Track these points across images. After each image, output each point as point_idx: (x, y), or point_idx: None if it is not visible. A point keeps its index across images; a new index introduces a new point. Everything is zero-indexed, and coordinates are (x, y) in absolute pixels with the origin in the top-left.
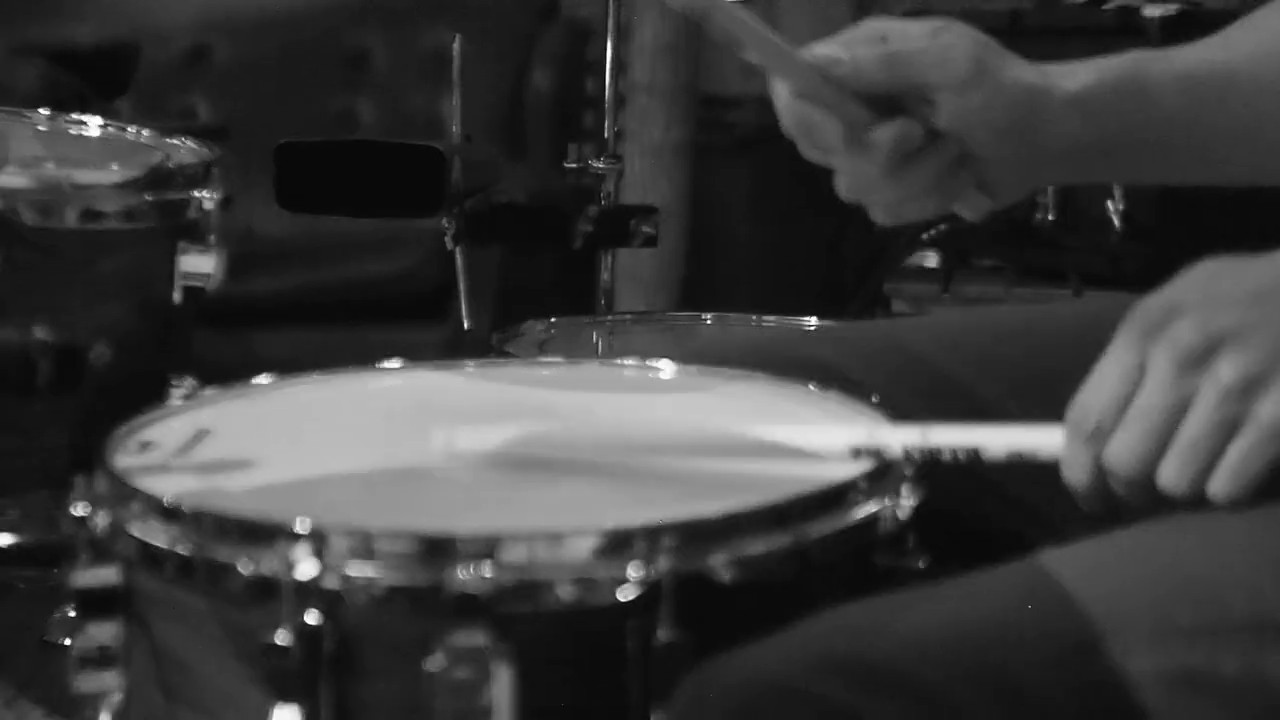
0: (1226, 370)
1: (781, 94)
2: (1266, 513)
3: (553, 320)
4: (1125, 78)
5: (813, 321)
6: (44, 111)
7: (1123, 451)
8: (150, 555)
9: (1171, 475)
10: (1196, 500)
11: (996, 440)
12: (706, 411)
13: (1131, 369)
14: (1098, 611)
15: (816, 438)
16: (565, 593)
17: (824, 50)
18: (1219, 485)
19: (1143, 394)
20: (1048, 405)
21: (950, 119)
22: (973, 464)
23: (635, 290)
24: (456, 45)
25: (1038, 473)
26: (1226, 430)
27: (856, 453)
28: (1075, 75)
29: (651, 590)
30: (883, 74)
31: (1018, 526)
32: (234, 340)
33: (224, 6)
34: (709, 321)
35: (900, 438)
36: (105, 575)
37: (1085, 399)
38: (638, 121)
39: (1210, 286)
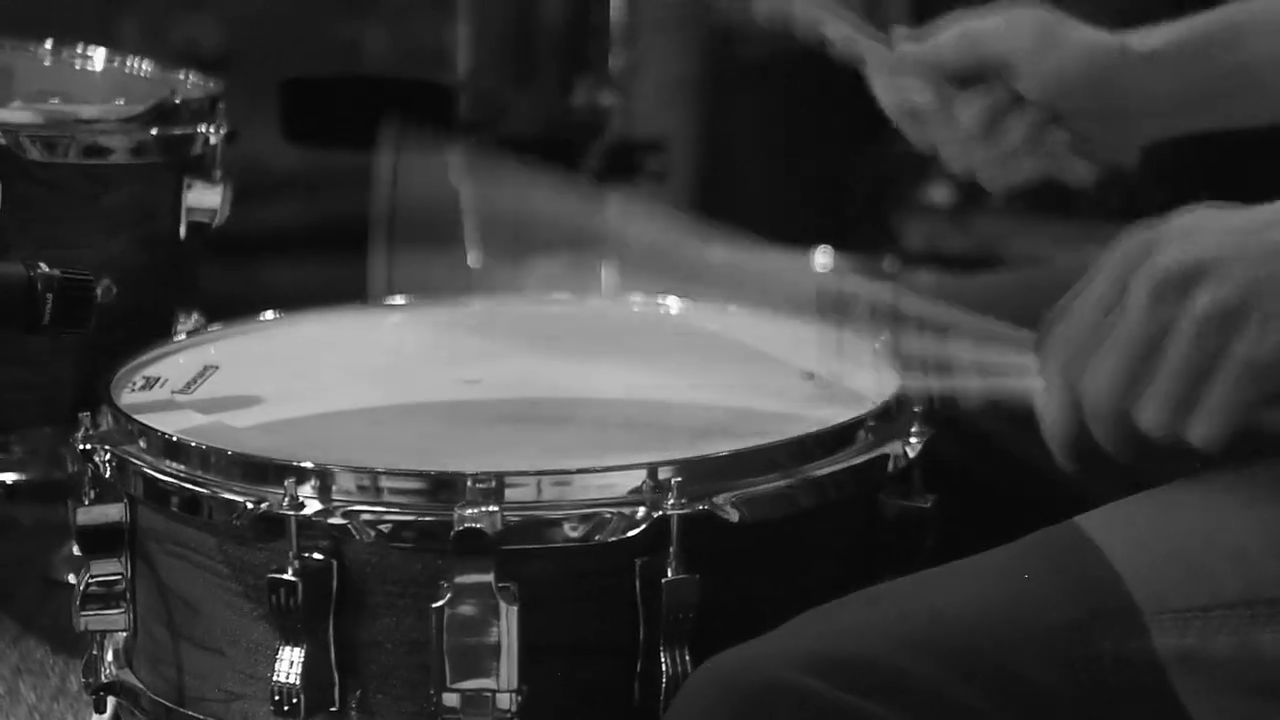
0: (1203, 299)
1: (879, 78)
2: (1254, 485)
3: (558, 256)
4: (1217, 27)
5: (823, 253)
6: (49, 45)
7: (1099, 381)
8: (155, 492)
9: (1150, 413)
10: (1173, 444)
11: (974, 386)
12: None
13: (1110, 298)
14: (1093, 596)
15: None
16: (573, 530)
17: (905, 46)
18: (1197, 427)
19: (1120, 324)
20: None
21: (1029, 83)
22: (950, 408)
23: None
24: None
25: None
26: (1203, 365)
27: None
28: (1156, 33)
29: (659, 528)
30: (959, 49)
31: (1027, 468)
32: (238, 271)
33: None
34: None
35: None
36: (110, 512)
37: (1062, 330)
38: (646, 53)
39: (1192, 223)
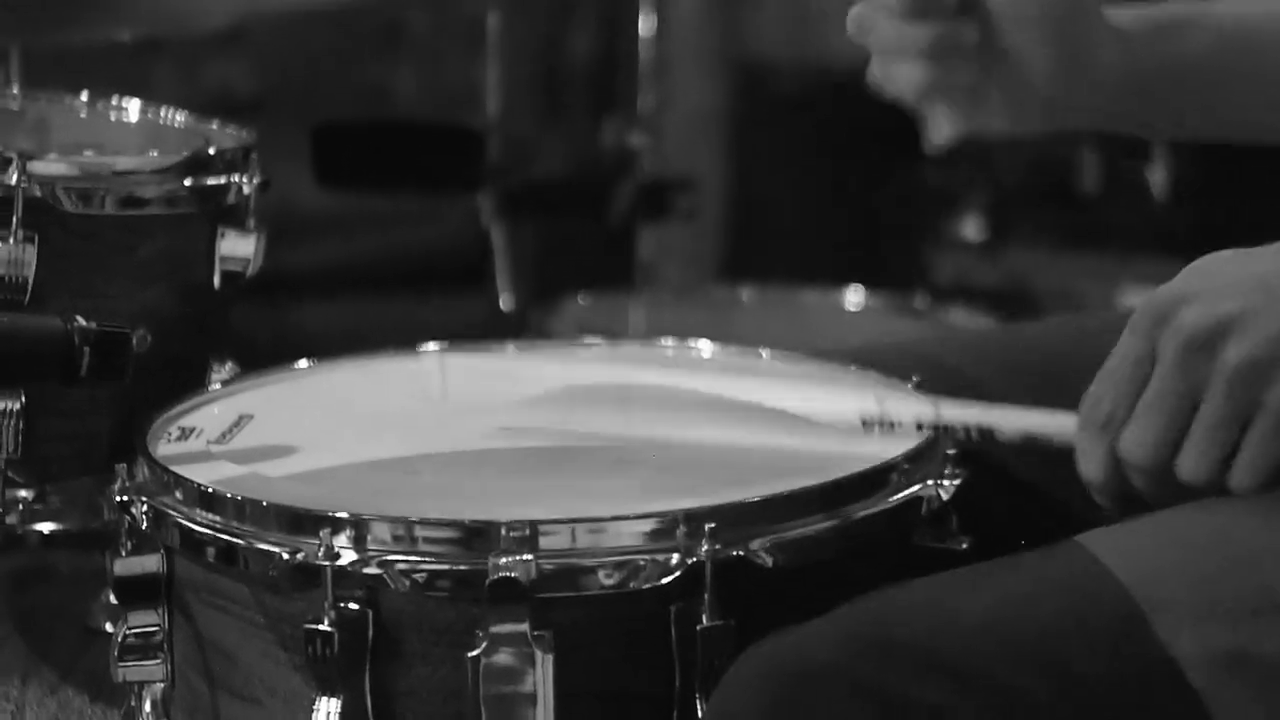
0: (1233, 354)
1: None
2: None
3: (590, 297)
4: (1167, 19)
5: (856, 292)
6: (84, 98)
7: (1137, 441)
8: (192, 542)
9: (1189, 466)
10: (1216, 491)
11: (1010, 421)
12: (737, 389)
13: (1141, 358)
14: (1142, 592)
15: (826, 406)
16: (607, 578)
17: None
18: (1239, 477)
19: (1153, 382)
20: None
21: (998, 5)
22: (986, 444)
23: (673, 262)
24: (492, 20)
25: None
26: (1240, 417)
27: (866, 423)
28: (1123, 12)
29: (694, 574)
30: None
31: (1063, 509)
32: (270, 314)
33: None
34: (745, 299)
35: (912, 410)
36: (147, 563)
37: (1097, 390)
38: (676, 89)
39: (1216, 276)
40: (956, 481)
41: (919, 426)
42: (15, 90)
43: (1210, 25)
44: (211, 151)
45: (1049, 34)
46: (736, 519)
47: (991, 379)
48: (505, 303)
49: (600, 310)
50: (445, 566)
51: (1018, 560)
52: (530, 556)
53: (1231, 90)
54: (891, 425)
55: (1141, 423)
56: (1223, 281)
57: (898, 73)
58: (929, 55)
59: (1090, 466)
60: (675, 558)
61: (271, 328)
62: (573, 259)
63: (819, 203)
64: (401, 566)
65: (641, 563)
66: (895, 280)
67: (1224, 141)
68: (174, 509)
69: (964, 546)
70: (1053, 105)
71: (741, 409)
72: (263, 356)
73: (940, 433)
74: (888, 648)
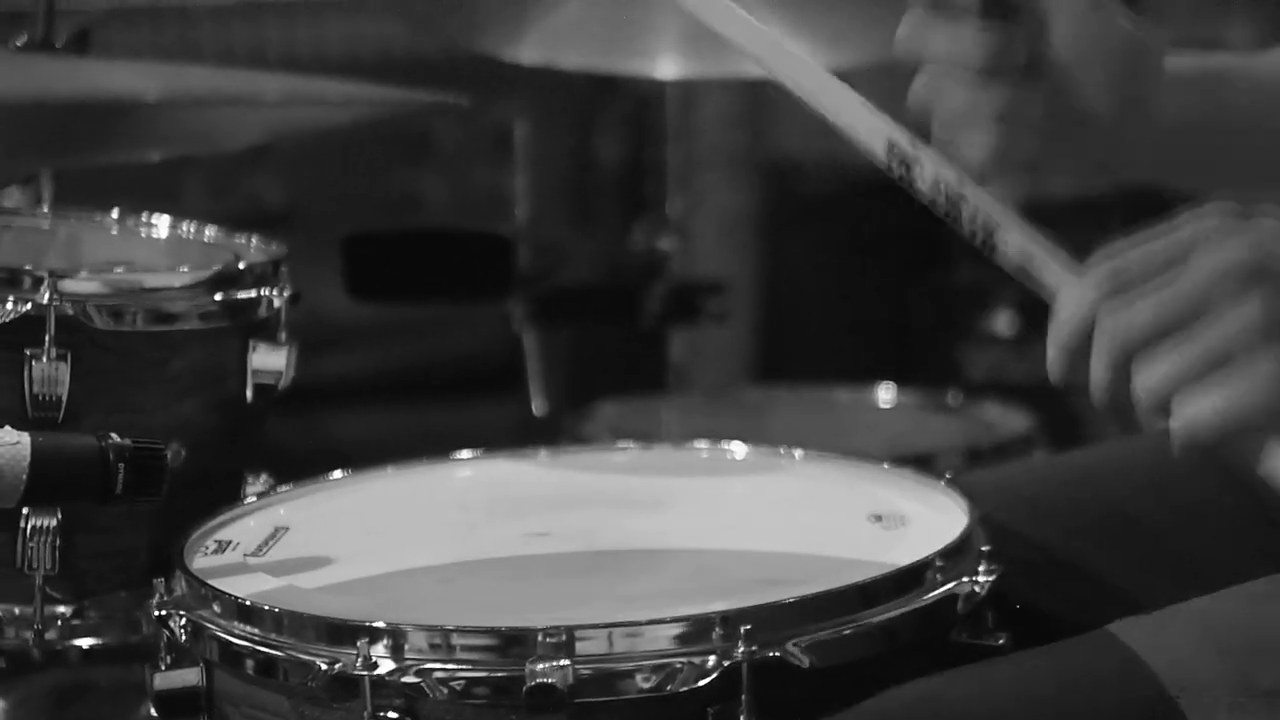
0: (1256, 303)
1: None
2: None
3: (622, 401)
4: (1213, 69)
5: (888, 390)
6: (114, 215)
7: (1121, 320)
8: (231, 655)
9: (1150, 374)
10: (1144, 417)
11: (1018, 235)
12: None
13: (1177, 255)
14: (1175, 679)
15: (862, 120)
16: (644, 681)
17: None
18: (1184, 412)
19: (1171, 284)
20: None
21: (1063, 44)
22: (985, 249)
23: (705, 364)
24: (519, 128)
25: (1126, 554)
26: (1224, 359)
27: (893, 148)
28: (1175, 60)
29: (731, 676)
30: None
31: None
32: (303, 425)
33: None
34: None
35: (938, 167)
36: (187, 676)
37: (1119, 255)
38: (705, 192)
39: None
40: (991, 578)
41: (933, 196)
42: (45, 209)
43: (1252, 77)
44: (241, 266)
45: (1113, 75)
46: (772, 620)
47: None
48: (538, 408)
49: (632, 414)
50: (483, 674)
51: (1051, 650)
52: (567, 662)
53: (1271, 144)
54: (910, 167)
55: (1140, 306)
56: None
57: (966, 141)
58: (999, 120)
59: (1066, 315)
60: (712, 660)
61: (305, 438)
62: (604, 363)
63: (849, 302)
64: (439, 675)
65: (678, 665)
66: (928, 377)
67: (1267, 198)
68: (212, 622)
69: (1000, 642)
70: (1112, 156)
71: (773, 508)
72: (296, 467)
73: (949, 213)
74: None
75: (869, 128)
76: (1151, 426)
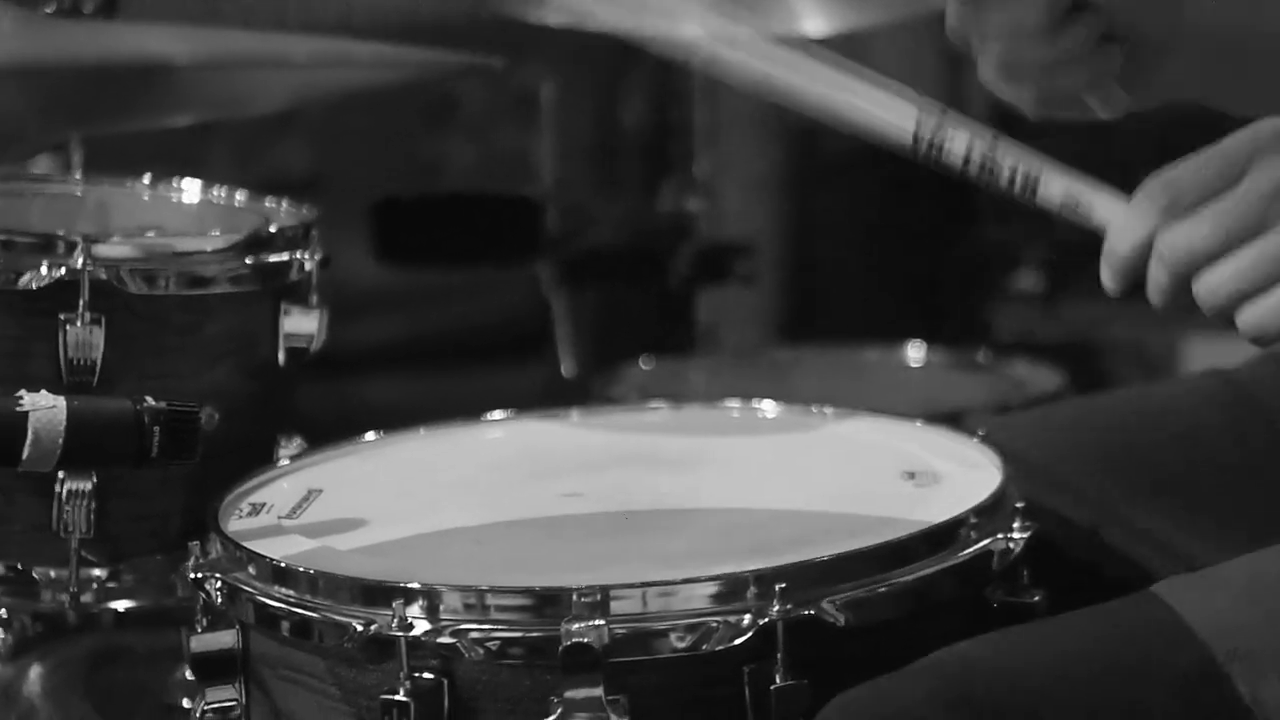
0: None
1: None
2: None
3: (651, 362)
4: None
5: (917, 348)
6: (145, 180)
7: (1184, 237)
8: (266, 617)
9: (1212, 284)
10: (1217, 317)
11: (1061, 183)
12: (811, 448)
13: (1230, 170)
14: (1219, 642)
15: (880, 113)
16: (679, 641)
17: None
18: (1250, 315)
19: (1229, 197)
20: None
21: None
22: (1025, 198)
23: (733, 324)
24: (546, 91)
25: (1166, 506)
26: None
27: (918, 137)
28: None
29: (766, 635)
30: None
31: (1138, 560)
32: (334, 389)
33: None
34: (807, 359)
35: (966, 137)
36: (223, 639)
37: (1172, 175)
38: (731, 153)
39: None
40: (1026, 534)
41: (967, 159)
42: (77, 175)
43: None
44: (272, 229)
45: (1142, 16)
46: (807, 579)
47: (1061, 460)
48: (567, 370)
49: (661, 374)
50: (518, 634)
51: (1094, 613)
52: (602, 622)
53: None
54: (940, 148)
55: (1198, 224)
56: None
57: (1014, 85)
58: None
59: (1123, 240)
60: (747, 619)
61: (335, 403)
62: (633, 325)
63: (877, 261)
64: (475, 635)
65: (714, 624)
66: (956, 336)
67: None
68: (248, 585)
69: (1036, 599)
70: (1157, 81)
71: (806, 466)
72: (327, 431)
73: (985, 172)
74: (970, 703)
75: (895, 114)
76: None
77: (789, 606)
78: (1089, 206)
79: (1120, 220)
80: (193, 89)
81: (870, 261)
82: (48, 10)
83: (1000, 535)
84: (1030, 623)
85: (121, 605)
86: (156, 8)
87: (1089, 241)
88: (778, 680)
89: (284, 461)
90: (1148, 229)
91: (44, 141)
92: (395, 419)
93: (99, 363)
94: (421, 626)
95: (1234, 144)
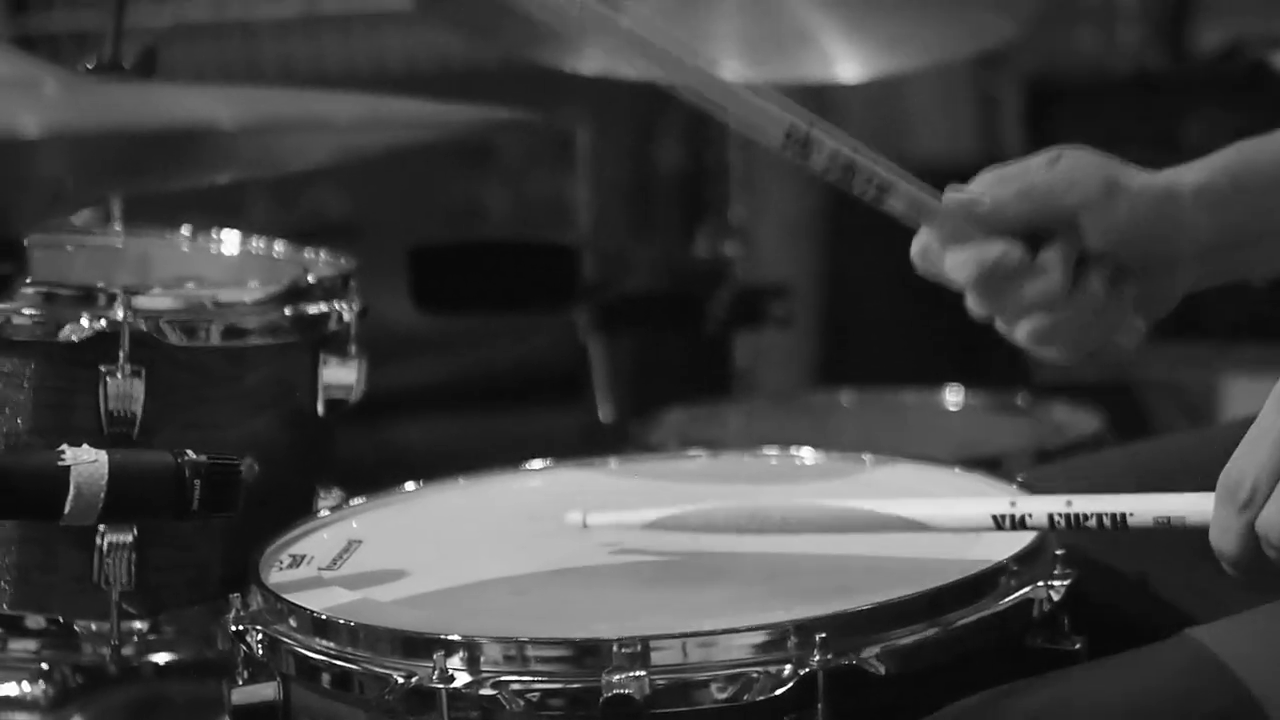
0: None
1: (952, 243)
2: None
3: (689, 407)
4: (1238, 169)
5: (955, 392)
6: (185, 232)
7: (1276, 518)
8: (307, 669)
9: None
10: None
11: (1143, 507)
12: (849, 496)
13: None
14: (1257, 683)
15: (958, 511)
16: (720, 692)
17: (960, 196)
18: None
19: None
20: None
21: (1098, 236)
22: (1119, 532)
23: (770, 369)
24: (581, 137)
25: (1197, 552)
26: None
27: (999, 522)
28: (1190, 171)
29: (807, 685)
30: (1023, 206)
31: (1179, 606)
32: (373, 436)
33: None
34: (844, 403)
35: (1044, 505)
36: (264, 691)
37: (1238, 465)
38: (767, 196)
39: None
40: (1066, 582)
41: (1052, 522)
42: (117, 227)
43: (1272, 152)
44: (311, 280)
45: (1139, 250)
46: (848, 628)
47: None
48: (604, 415)
49: (699, 420)
50: (558, 685)
51: (1132, 656)
52: (643, 673)
53: None
54: (1024, 521)
55: None
56: None
57: (1090, 335)
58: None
59: (1227, 542)
60: (788, 669)
61: (373, 449)
62: (670, 369)
63: (914, 303)
64: (515, 687)
65: (755, 675)
66: (995, 379)
67: None
68: (289, 637)
69: (1077, 647)
70: (1170, 293)
71: (844, 516)
72: (367, 479)
73: (1074, 525)
74: None
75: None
76: None
77: (830, 656)
78: (1181, 520)
79: (1215, 531)
80: (234, 151)
81: (907, 304)
82: (88, 67)
83: (1041, 583)
84: (1066, 669)
85: (162, 657)
86: (193, 60)
87: None
88: None
89: (324, 512)
90: (1242, 527)
91: (84, 202)
92: (433, 464)
93: (139, 414)
94: (462, 678)
95: (1271, 418)
